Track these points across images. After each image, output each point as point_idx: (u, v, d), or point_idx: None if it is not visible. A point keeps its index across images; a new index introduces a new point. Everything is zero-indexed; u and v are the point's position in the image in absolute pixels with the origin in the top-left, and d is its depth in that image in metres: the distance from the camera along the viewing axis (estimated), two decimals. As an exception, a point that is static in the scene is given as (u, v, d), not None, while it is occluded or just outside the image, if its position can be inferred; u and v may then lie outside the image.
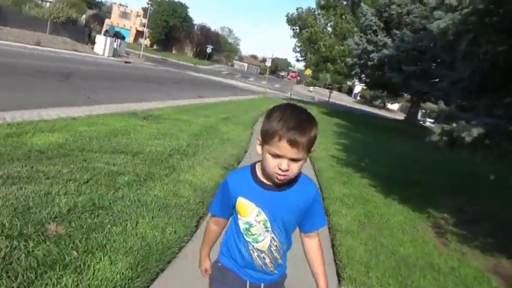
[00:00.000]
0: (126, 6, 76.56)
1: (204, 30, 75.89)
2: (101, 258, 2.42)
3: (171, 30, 69.70)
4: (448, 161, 7.82)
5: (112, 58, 30.04)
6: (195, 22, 76.16)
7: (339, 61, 27.12)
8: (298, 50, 31.71)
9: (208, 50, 58.65)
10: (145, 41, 59.75)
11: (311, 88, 57.56)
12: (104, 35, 34.03)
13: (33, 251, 2.31)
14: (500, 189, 6.63)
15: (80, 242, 2.53)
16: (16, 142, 4.35)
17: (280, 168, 1.35)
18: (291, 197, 1.47)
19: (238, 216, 1.52)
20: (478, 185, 6.90)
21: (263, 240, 1.52)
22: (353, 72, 13.86)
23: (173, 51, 72.70)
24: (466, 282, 3.27)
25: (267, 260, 1.55)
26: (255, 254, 1.54)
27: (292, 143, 1.31)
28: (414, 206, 5.13)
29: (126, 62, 29.79)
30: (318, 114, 19.07)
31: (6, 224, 2.51)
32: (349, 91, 66.15)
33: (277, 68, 77.20)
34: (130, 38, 63.82)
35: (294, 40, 32.37)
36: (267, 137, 1.37)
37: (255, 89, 31.53)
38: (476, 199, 6.00)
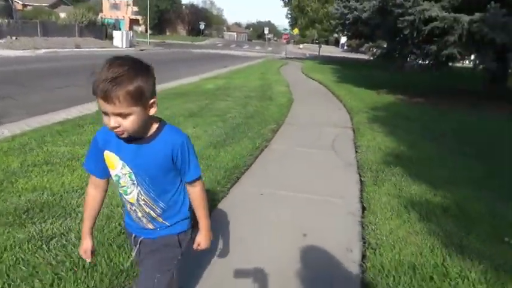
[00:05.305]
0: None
1: (193, 8, 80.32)
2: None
3: (162, 13, 73.91)
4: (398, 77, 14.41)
5: (131, 48, 34.16)
6: (183, 2, 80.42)
7: (324, 21, 33.23)
8: (290, 17, 37.37)
9: (202, 26, 63.08)
10: (140, 28, 64.09)
11: (301, 45, 62.49)
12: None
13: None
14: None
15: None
16: (197, 88, 10.38)
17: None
18: (154, 150, 1.43)
19: (110, 170, 1.51)
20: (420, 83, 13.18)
21: (131, 193, 1.51)
22: (336, 30, 19.64)
23: (167, 33, 77.12)
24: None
25: (139, 214, 1.55)
26: (128, 205, 1.57)
27: (106, 99, 1.23)
28: (373, 87, 11.55)
29: (141, 50, 34.57)
30: (314, 64, 24.82)
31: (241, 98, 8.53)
32: (336, 42, 71.12)
33: (263, 31, 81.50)
34: (125, 27, 67.88)
35: (273, 1, 37.70)
36: None
37: (255, 55, 35.88)
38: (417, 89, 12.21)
